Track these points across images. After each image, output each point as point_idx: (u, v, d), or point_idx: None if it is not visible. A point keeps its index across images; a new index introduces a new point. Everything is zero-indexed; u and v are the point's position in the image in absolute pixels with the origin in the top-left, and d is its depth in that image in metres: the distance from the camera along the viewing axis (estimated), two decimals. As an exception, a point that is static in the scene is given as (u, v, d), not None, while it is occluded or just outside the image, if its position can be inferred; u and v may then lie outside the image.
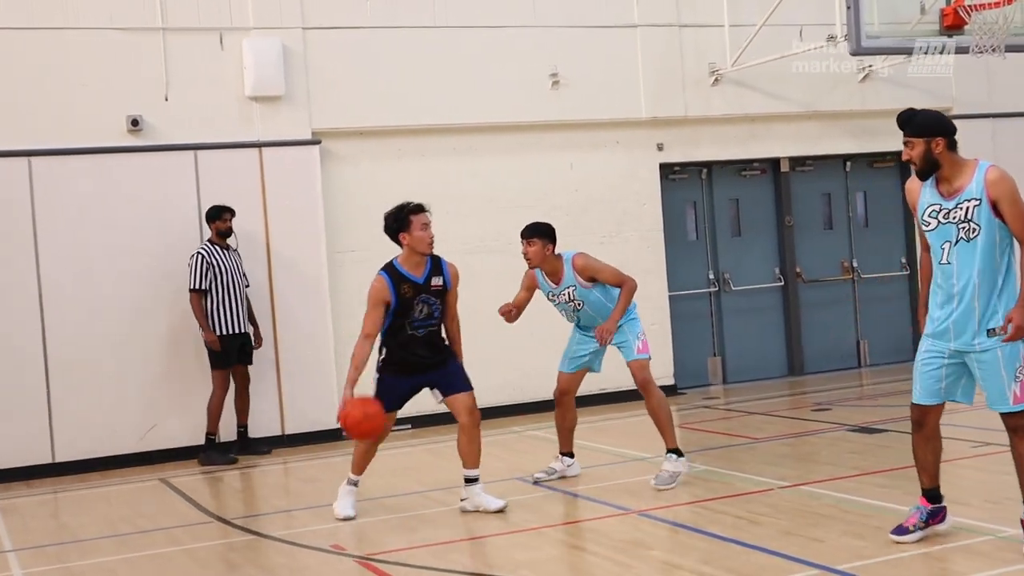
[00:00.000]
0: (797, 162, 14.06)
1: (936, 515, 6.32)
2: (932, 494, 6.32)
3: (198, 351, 10.99)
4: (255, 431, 11.20)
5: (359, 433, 7.54)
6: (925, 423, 6.23)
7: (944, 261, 5.94)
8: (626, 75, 12.88)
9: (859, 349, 14.36)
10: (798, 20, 12.95)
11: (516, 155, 12.55)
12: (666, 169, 13.35)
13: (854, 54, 11.64)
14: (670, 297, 13.18)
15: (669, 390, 12.82)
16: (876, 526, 6.69)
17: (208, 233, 10.97)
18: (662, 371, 12.91)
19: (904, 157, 6.05)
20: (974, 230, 5.85)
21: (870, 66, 13.58)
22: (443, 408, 12.03)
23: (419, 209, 7.63)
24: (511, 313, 8.45)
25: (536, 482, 8.58)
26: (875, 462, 8.47)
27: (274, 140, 11.55)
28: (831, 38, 11.79)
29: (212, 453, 10.75)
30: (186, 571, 6.96)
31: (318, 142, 11.72)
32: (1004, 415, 5.98)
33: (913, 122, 5.99)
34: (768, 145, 13.66)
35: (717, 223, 13.81)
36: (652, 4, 12.97)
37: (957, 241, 5.89)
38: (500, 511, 7.65)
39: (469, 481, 7.82)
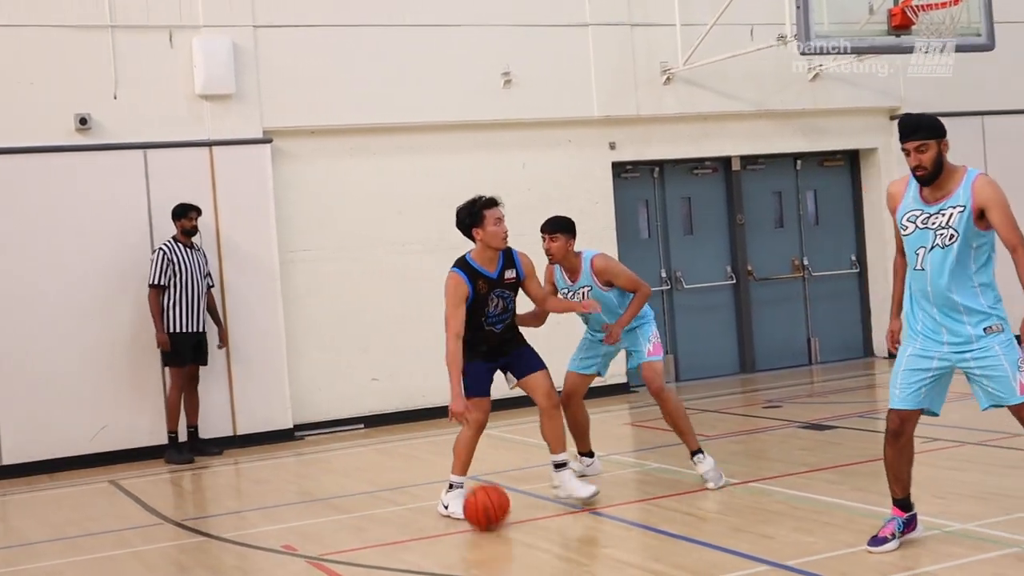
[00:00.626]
0: (748, 161, 14.15)
1: (910, 523, 6.21)
2: (904, 503, 6.21)
3: (151, 350, 10.90)
4: (206, 432, 11.12)
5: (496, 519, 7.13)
6: (903, 431, 6.04)
7: (918, 267, 5.85)
8: (578, 74, 12.90)
9: (810, 346, 14.46)
10: (749, 20, 13.02)
11: (469, 154, 12.54)
12: (618, 168, 13.39)
13: (804, 53, 11.72)
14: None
15: (622, 388, 12.91)
16: (826, 522, 6.74)
17: (169, 230, 10.88)
18: (615, 369, 12.93)
19: (912, 163, 5.79)
20: (951, 236, 5.74)
21: (820, 65, 13.69)
22: (395, 408, 12.20)
23: (492, 203, 7.44)
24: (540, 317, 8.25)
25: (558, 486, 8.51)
26: (825, 459, 8.54)
27: (225, 139, 11.47)
28: (781, 38, 11.87)
29: (171, 452, 10.70)
30: (135, 574, 6.90)
31: (269, 141, 11.66)
32: (1012, 407, 5.81)
33: (924, 125, 5.82)
34: (719, 144, 13.73)
35: (669, 221, 13.87)
36: (604, 3, 13.00)
37: (932, 247, 5.79)
38: (591, 497, 7.51)
39: (559, 466, 7.64)
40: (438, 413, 12.20)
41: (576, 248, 8.03)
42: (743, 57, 12.81)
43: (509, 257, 7.54)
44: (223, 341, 11.06)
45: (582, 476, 8.34)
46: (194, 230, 10.86)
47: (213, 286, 11.02)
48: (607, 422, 11.34)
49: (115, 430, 10.94)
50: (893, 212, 6.02)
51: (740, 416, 10.87)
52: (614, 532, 7.01)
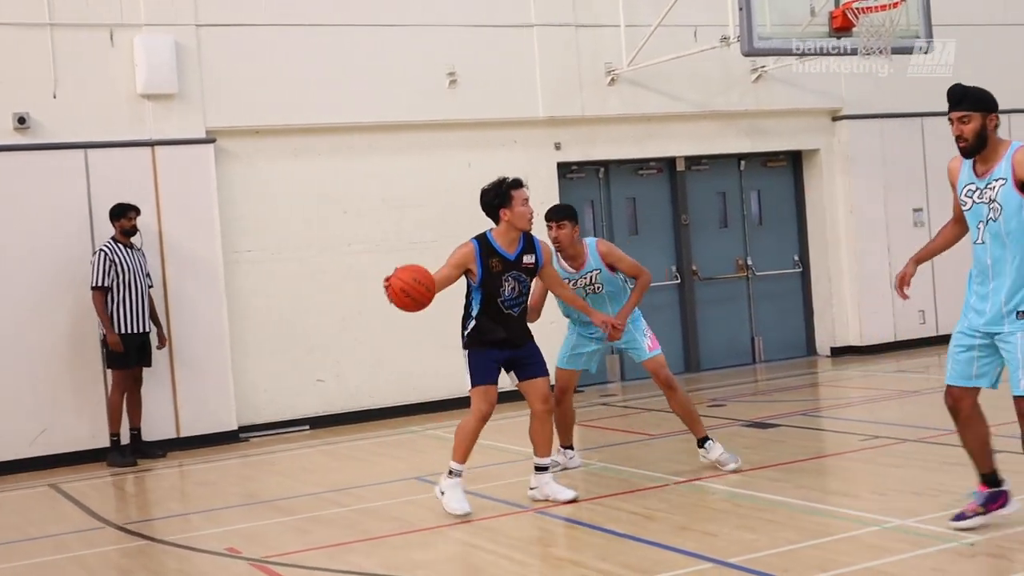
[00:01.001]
0: (692, 161, 14.24)
1: (996, 499, 6.21)
2: (988, 478, 6.23)
3: (93, 352, 10.79)
4: (149, 434, 11.01)
5: (409, 296, 7.18)
6: (959, 408, 6.12)
7: (978, 240, 5.98)
8: (523, 74, 12.92)
9: (754, 345, 14.58)
10: (692, 21, 13.14)
11: (414, 154, 12.52)
12: (564, 168, 13.42)
13: (746, 55, 11.84)
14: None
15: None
16: (768, 520, 6.80)
17: (109, 231, 10.76)
18: (561, 369, 13.00)
19: (955, 132, 5.94)
20: (997, 210, 5.86)
21: (763, 67, 13.81)
22: (341, 409, 12.14)
23: (519, 184, 7.46)
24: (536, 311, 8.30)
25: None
26: (768, 456, 8.61)
27: (167, 139, 11.37)
28: (724, 39, 11.97)
29: (114, 454, 10.59)
30: (76, 578, 6.84)
31: (213, 141, 11.57)
32: (1016, 398, 5.91)
33: (969, 96, 5.94)
34: (664, 144, 13.81)
35: (614, 221, 13.92)
36: (549, 4, 13.03)
37: (987, 221, 5.92)
38: (571, 502, 7.52)
39: (540, 469, 7.66)
40: (385, 414, 12.20)
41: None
42: (687, 58, 12.91)
43: (530, 242, 7.55)
44: (162, 341, 10.95)
45: (564, 469, 8.54)
46: (133, 230, 10.74)
47: (152, 286, 10.90)
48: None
49: (55, 433, 10.81)
50: (953, 187, 6.15)
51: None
52: (560, 532, 7.03)
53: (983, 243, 5.96)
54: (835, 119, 14.58)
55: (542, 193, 13.06)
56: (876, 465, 8.23)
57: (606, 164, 13.84)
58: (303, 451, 10.81)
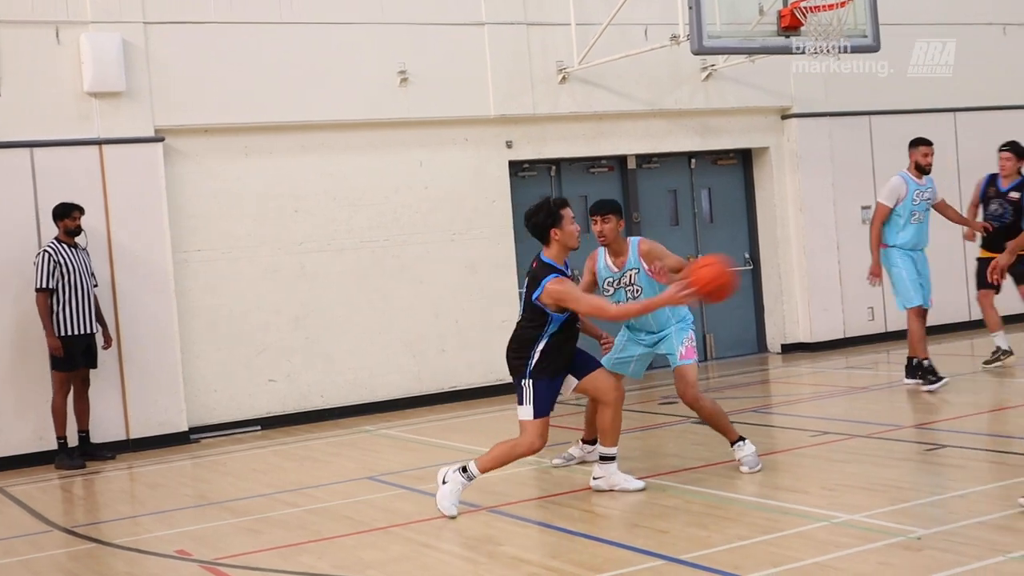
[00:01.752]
0: (643, 159, 14.29)
1: None
2: None
3: (38, 354, 10.66)
4: (97, 436, 10.90)
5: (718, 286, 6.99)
6: None
7: None
8: (474, 73, 12.91)
9: (705, 343, 14.66)
10: (643, 19, 13.20)
11: (365, 153, 12.48)
12: (515, 166, 13.43)
13: (696, 53, 11.89)
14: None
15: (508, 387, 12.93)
16: (720, 516, 6.84)
17: (55, 231, 10.63)
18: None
19: None
20: None
21: (713, 65, 13.89)
22: (292, 409, 12.07)
23: (565, 203, 7.41)
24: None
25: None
26: (719, 453, 8.62)
27: (115, 137, 11.25)
28: (674, 38, 12.02)
29: (62, 457, 10.47)
30: (23, 583, 6.76)
31: (161, 139, 11.47)
32: None
33: None
34: (615, 142, 13.85)
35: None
36: (500, 2, 13.03)
37: None
38: (640, 491, 7.55)
39: (606, 459, 7.66)
40: (337, 414, 12.16)
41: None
42: (637, 57, 12.95)
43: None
44: (108, 342, 10.83)
45: (582, 462, 8.52)
46: (78, 230, 10.62)
47: (97, 286, 10.78)
48: (503, 419, 11.35)
49: (1, 436, 10.68)
50: None
51: (637, 412, 10.96)
52: (512, 530, 7.03)
53: None
54: (784, 117, 14.69)
55: (493, 192, 13.11)
56: (826, 461, 8.30)
57: (557, 162, 13.87)
58: (255, 452, 10.75)
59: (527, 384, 7.34)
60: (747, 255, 14.97)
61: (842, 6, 11.73)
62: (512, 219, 13.14)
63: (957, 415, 9.55)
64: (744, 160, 15.03)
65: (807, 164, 14.59)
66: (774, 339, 14.90)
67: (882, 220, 10.82)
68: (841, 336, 14.66)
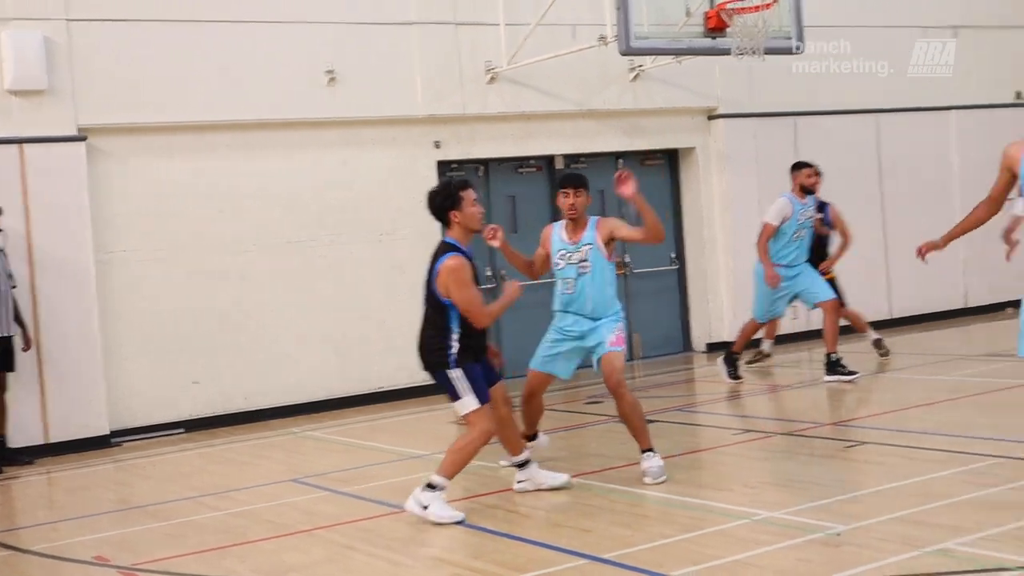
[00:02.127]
0: (571, 159, 14.33)
1: None
2: None
3: (-45, 357, 10.46)
4: (15, 440, 10.70)
5: None
6: None
7: None
8: (403, 72, 12.87)
9: (631, 342, 14.69)
10: (571, 20, 13.23)
11: (292, 152, 12.39)
12: (444, 166, 13.40)
13: (624, 54, 11.95)
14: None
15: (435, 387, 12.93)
16: (642, 515, 6.89)
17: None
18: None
19: None
20: None
21: (640, 66, 13.96)
22: (217, 411, 11.94)
23: (467, 184, 7.34)
24: (532, 266, 8.21)
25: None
26: (643, 452, 8.70)
27: (36, 136, 11.06)
28: (602, 38, 12.07)
29: None
30: (-64, 590, 6.63)
31: (84, 138, 11.29)
32: None
33: None
34: (544, 142, 13.88)
35: (495, 219, 13.89)
36: (429, 2, 12.99)
37: None
38: (562, 488, 7.62)
39: (520, 465, 7.73)
40: (262, 415, 12.06)
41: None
42: (566, 57, 12.99)
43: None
44: (28, 344, 10.64)
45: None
46: None
47: (15, 287, 10.59)
48: (430, 420, 11.36)
49: (-81, 440, 10.47)
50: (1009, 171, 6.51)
51: (562, 412, 10.99)
52: (436, 531, 7.00)
53: None
54: (711, 118, 14.82)
55: (421, 192, 12.90)
56: (747, 459, 8.39)
57: (486, 162, 13.87)
58: (178, 455, 10.63)
59: (457, 375, 7.15)
60: (673, 255, 15.06)
61: (767, 7, 11.85)
62: (440, 219, 13.10)
63: (875, 412, 9.69)
64: (671, 160, 15.13)
65: (733, 164, 14.73)
66: (699, 338, 15.02)
67: (768, 238, 11.38)
68: (757, 336, 14.75)
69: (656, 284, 14.98)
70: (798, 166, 11.66)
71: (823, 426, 9.29)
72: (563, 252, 7.96)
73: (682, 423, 10.03)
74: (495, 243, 7.73)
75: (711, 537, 6.29)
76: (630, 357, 14.47)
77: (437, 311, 7.20)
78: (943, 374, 11.32)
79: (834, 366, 11.25)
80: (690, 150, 14.88)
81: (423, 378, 12.33)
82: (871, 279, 15.42)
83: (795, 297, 11.65)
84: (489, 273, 13.54)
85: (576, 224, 7.96)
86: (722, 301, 14.84)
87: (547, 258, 8.10)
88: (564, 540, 6.46)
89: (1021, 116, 17.02)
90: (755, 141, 14.84)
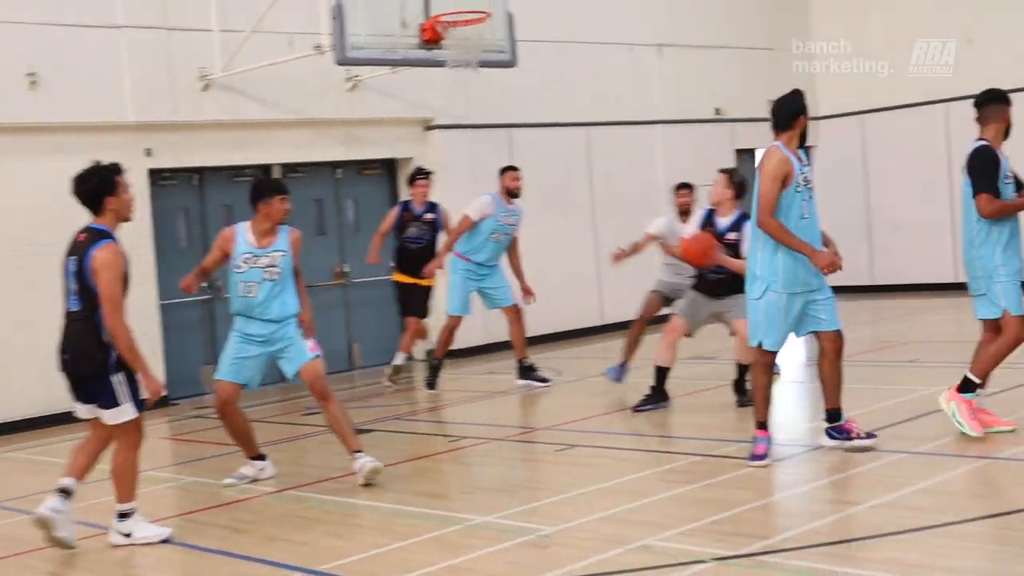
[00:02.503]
0: (289, 168, 14.20)
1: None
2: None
3: None
4: None
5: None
6: None
7: None
8: (111, 77, 12.43)
9: (350, 352, 14.73)
10: (288, 28, 13.11)
11: (-9, 158, 11.78)
12: (156, 175, 13.03)
13: (340, 63, 11.98)
14: (162, 306, 12.90)
15: (161, 401, 12.56)
16: (357, 525, 6.92)
17: None
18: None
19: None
20: None
21: (358, 76, 13.99)
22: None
23: (120, 169, 6.92)
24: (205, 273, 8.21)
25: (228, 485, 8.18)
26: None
27: None
28: (318, 47, 12.02)
29: None
30: None
31: None
32: None
33: None
34: (260, 152, 13.70)
35: (210, 230, 13.61)
36: (138, 5, 12.61)
37: None
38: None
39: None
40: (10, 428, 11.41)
41: None
42: (282, 65, 12.87)
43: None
44: None
45: (254, 481, 8.18)
46: None
47: None
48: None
49: None
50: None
51: (280, 424, 10.88)
52: (148, 551, 6.80)
53: None
54: (428, 128, 14.99)
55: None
56: (463, 465, 8.54)
57: (201, 171, 13.57)
58: None
59: (118, 379, 6.69)
60: (392, 264, 15.11)
61: (481, 21, 12.10)
62: (151, 229, 12.75)
63: (584, 416, 10.03)
64: (389, 170, 15.22)
65: (449, 175, 14.91)
66: (419, 346, 15.13)
67: (462, 231, 11.67)
68: (483, 342, 15.07)
69: (375, 293, 15.00)
70: (506, 169, 12.09)
71: (537, 430, 9.55)
72: (247, 256, 7.94)
73: (400, 431, 10.10)
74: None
75: (425, 544, 6.38)
76: (349, 367, 14.53)
77: (92, 308, 6.69)
78: (649, 378, 11.81)
79: (527, 371, 11.66)
80: (408, 160, 15.00)
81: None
82: (583, 288, 15.98)
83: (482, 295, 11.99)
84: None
85: (270, 229, 7.99)
86: (442, 311, 14.98)
87: (222, 260, 8.06)
88: (279, 554, 6.41)
89: (720, 130, 18.10)
90: (471, 152, 15.10)
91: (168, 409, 12.44)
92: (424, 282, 12.37)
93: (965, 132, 8.66)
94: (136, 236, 12.55)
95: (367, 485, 7.76)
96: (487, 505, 7.12)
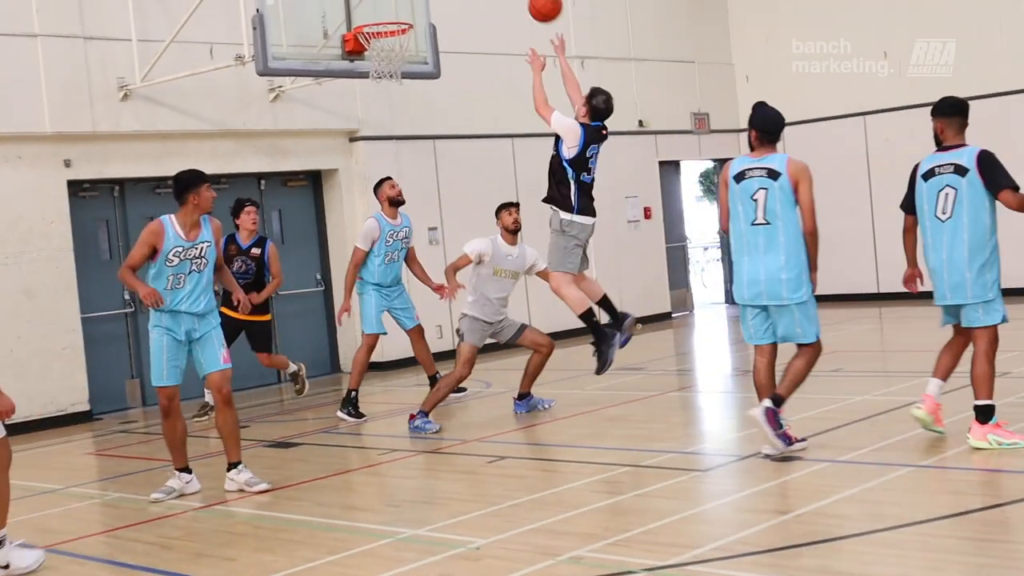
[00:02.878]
0: (213, 180, 13.93)
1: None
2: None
3: None
4: None
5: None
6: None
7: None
8: (27, 86, 12.20)
9: (273, 365, 14.58)
10: (208, 38, 12.99)
11: (-97, 170, 11.50)
12: (75, 186, 12.83)
13: (261, 74, 11.87)
14: (84, 319, 12.69)
15: (84, 416, 12.37)
16: (287, 539, 6.84)
17: None
18: (77, 396, 12.40)
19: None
20: None
21: (280, 87, 13.89)
22: None
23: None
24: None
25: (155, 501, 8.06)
26: (289, 476, 8.65)
27: None
28: (239, 58, 11.91)
29: None
30: None
31: None
32: None
33: None
34: (182, 162, 13.37)
35: (132, 242, 13.39)
36: (54, 13, 12.40)
37: None
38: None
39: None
40: None
41: None
42: (204, 76, 12.74)
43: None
44: None
45: (181, 495, 8.17)
46: None
47: None
48: (67, 452, 10.84)
49: None
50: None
51: (208, 439, 10.74)
52: (73, 569, 6.67)
53: None
54: (352, 140, 14.93)
55: (50, 212, 12.46)
56: (393, 478, 8.49)
57: (122, 182, 13.38)
58: None
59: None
60: (319, 276, 15.07)
61: (403, 32, 12.05)
62: (71, 241, 12.54)
63: (515, 427, 10.04)
64: (314, 182, 15.13)
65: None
66: (347, 359, 15.03)
67: (358, 264, 11.08)
68: (412, 355, 14.97)
69: (302, 305, 14.92)
70: (383, 180, 11.48)
71: (466, 443, 9.53)
72: (178, 249, 8.01)
73: (328, 445, 10.02)
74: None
75: (357, 558, 6.33)
76: (277, 380, 14.40)
77: None
78: (577, 388, 11.87)
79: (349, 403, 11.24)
80: (333, 172, 14.93)
81: (57, 408, 11.87)
82: (511, 299, 15.93)
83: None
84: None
85: (193, 222, 8.10)
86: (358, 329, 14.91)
87: (150, 255, 8.04)
88: (207, 571, 6.33)
89: (643, 141, 18.25)
90: (397, 163, 15.05)
91: (92, 424, 12.24)
92: (252, 317, 11.16)
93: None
94: (56, 248, 12.40)
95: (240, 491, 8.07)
96: (418, 518, 7.10)
